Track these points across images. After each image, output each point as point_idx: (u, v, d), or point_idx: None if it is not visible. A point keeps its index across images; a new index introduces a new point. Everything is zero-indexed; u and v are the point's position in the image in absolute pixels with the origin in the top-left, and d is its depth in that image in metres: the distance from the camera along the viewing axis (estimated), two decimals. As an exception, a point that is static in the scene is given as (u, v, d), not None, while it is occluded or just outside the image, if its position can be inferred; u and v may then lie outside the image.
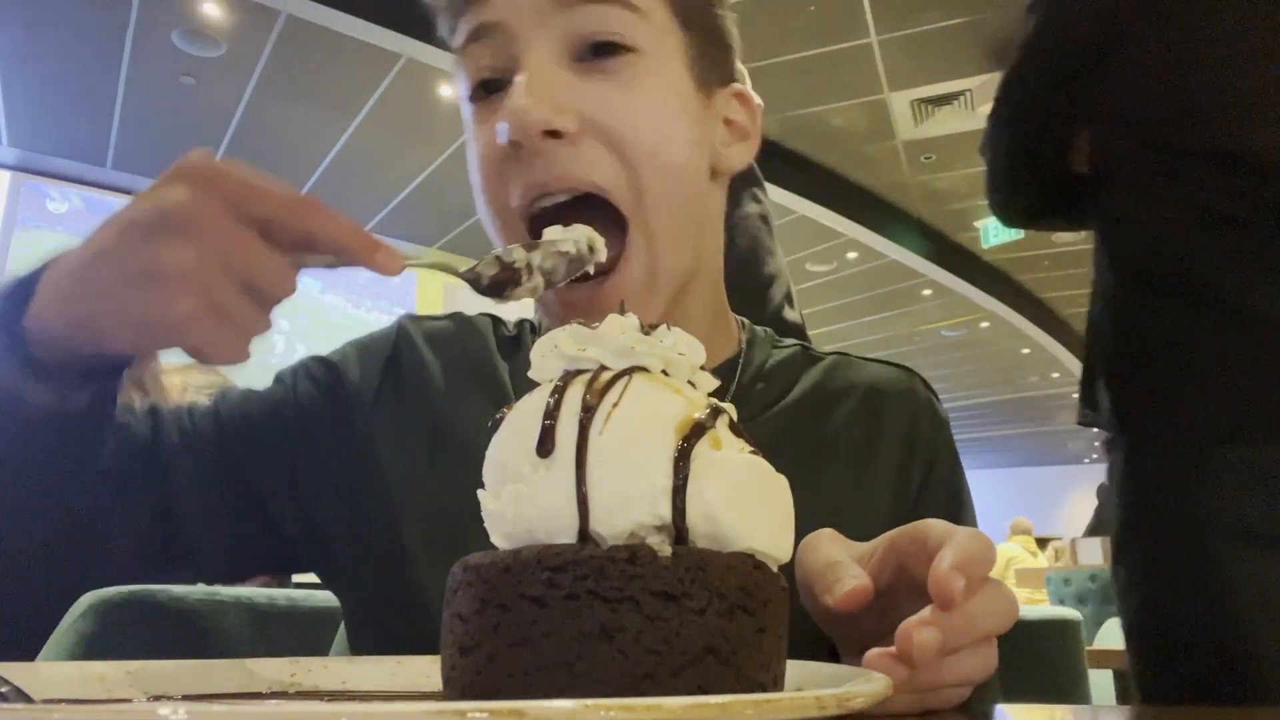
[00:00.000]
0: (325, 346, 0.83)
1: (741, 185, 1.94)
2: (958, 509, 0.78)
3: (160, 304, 0.49)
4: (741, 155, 0.79)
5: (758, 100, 0.81)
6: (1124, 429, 1.28)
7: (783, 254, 2.04)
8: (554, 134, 0.65)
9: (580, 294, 0.67)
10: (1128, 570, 1.21)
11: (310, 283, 7.87)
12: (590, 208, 0.67)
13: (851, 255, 8.15)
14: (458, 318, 0.85)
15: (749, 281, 1.85)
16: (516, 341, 0.83)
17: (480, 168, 0.71)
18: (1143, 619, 1.20)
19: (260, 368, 0.80)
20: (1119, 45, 1.28)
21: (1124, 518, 1.21)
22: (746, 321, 0.87)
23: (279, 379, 0.79)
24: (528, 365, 0.83)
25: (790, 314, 1.94)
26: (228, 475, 0.73)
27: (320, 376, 0.79)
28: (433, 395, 0.78)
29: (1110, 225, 1.36)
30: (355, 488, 0.75)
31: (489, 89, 0.70)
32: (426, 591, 0.70)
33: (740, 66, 0.84)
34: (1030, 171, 1.48)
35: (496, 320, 0.86)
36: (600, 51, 0.67)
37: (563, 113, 0.65)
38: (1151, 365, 1.26)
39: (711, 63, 0.75)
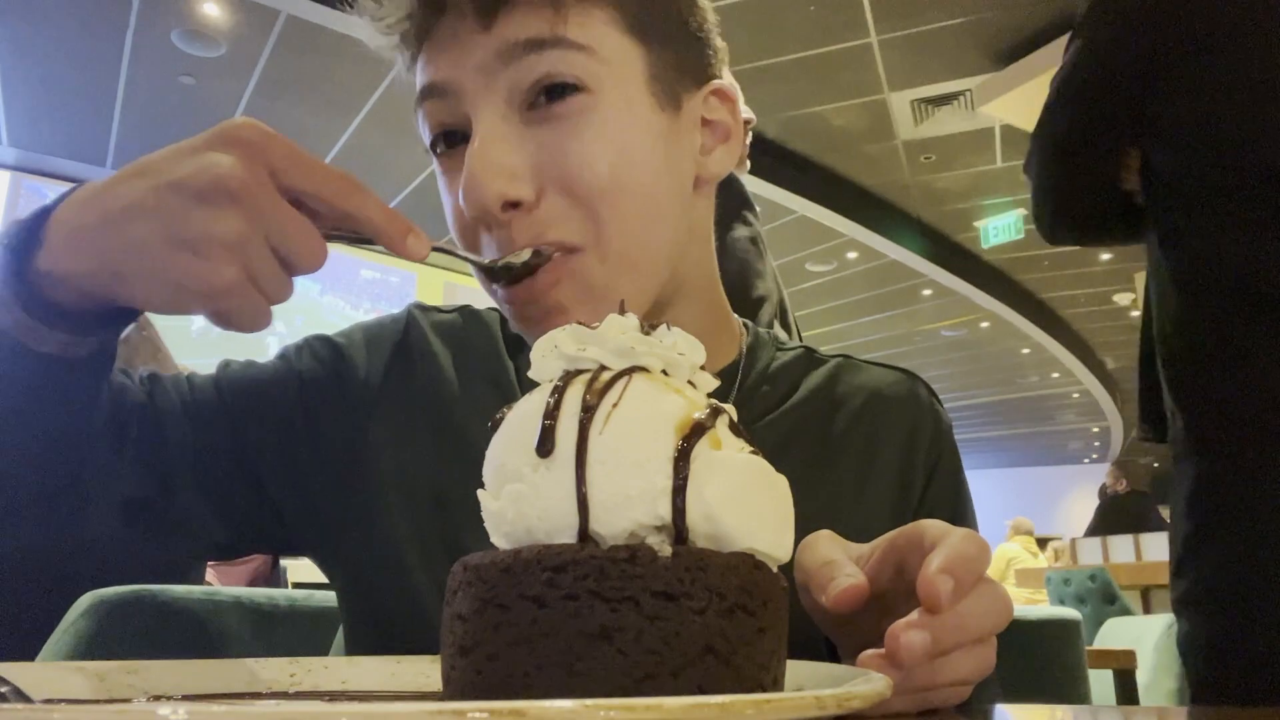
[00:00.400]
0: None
1: (732, 209, 1.97)
2: (959, 514, 0.78)
3: (204, 270, 0.51)
4: (724, 159, 0.76)
5: (746, 112, 0.80)
6: (1200, 444, 1.27)
7: (775, 273, 2.05)
8: (514, 204, 0.64)
9: (516, 292, 0.66)
10: (1197, 581, 1.20)
11: (309, 284, 7.87)
12: None
13: (851, 255, 8.15)
14: (466, 311, 0.85)
15: (736, 306, 1.87)
16: (522, 341, 0.82)
17: (454, 224, 0.70)
18: (1216, 626, 1.20)
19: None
20: (1170, 68, 1.27)
21: (1195, 529, 1.21)
22: (750, 324, 0.87)
23: (282, 354, 0.79)
24: None
25: (779, 333, 1.96)
26: (226, 443, 0.73)
27: (324, 355, 0.79)
28: (440, 387, 0.78)
29: (1174, 243, 1.34)
30: (351, 469, 0.75)
31: (449, 140, 0.69)
32: (416, 581, 0.70)
33: (731, 80, 0.83)
34: (1076, 190, 1.48)
35: (504, 317, 0.84)
36: (551, 94, 0.65)
37: (517, 179, 0.64)
38: (1225, 382, 1.25)
39: (680, 69, 0.71)
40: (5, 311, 0.55)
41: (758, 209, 2.12)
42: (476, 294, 0.79)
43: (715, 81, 0.75)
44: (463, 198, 0.64)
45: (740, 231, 2.00)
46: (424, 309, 0.84)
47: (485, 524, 0.41)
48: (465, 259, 0.66)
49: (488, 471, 0.42)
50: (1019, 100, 5.48)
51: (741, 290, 1.91)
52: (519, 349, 0.81)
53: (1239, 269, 1.25)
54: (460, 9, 0.65)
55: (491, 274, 0.65)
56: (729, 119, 0.76)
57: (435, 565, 0.70)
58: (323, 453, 0.75)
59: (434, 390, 0.78)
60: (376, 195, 0.54)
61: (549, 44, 0.64)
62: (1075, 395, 13.22)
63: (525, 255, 0.64)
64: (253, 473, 0.74)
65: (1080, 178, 1.46)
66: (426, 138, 0.71)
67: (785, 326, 2.01)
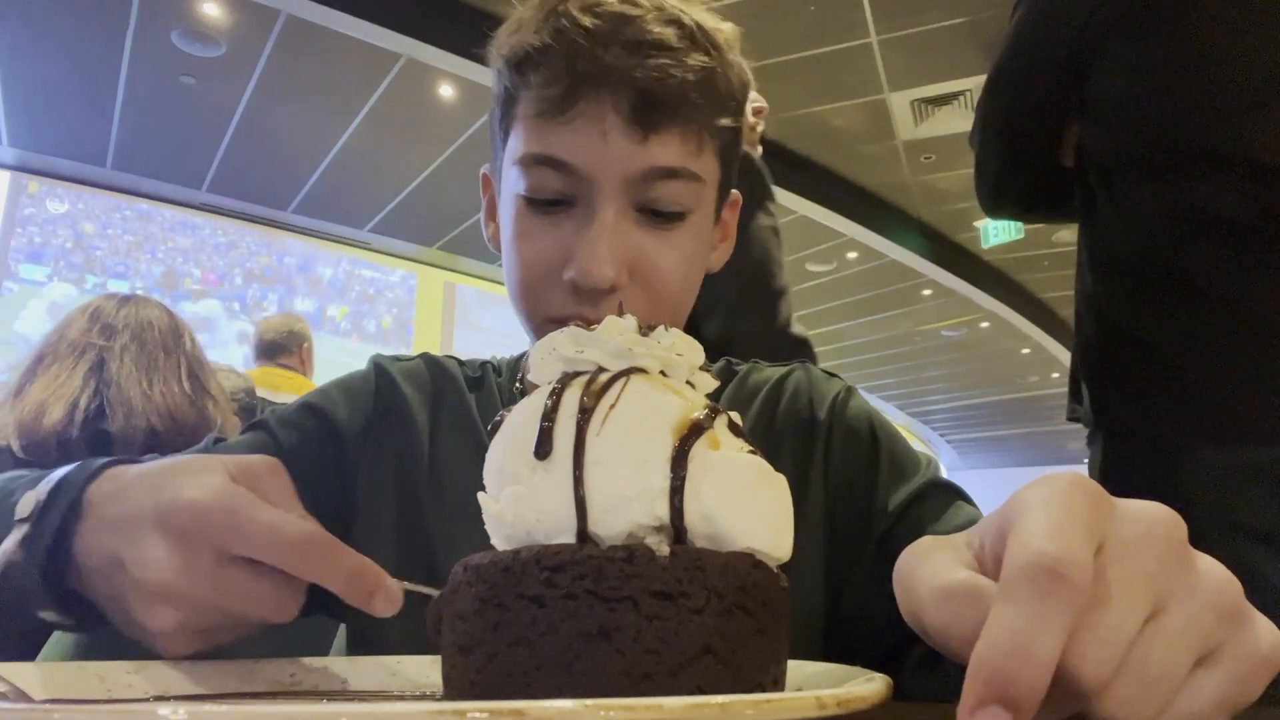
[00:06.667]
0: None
1: (755, 198, 1.95)
2: (876, 454, 0.80)
3: (150, 643, 0.50)
4: (722, 256, 0.87)
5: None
6: (1101, 424, 1.30)
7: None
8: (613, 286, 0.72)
9: None
10: None
11: (310, 285, 7.87)
12: None
13: (851, 255, 8.14)
14: (427, 358, 0.90)
15: (760, 295, 1.85)
16: (480, 380, 0.88)
17: (528, 274, 0.75)
18: None
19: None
20: (1099, 48, 1.29)
21: None
22: None
23: (266, 428, 0.80)
24: (492, 399, 0.86)
25: (797, 328, 1.94)
26: None
27: (308, 425, 0.81)
28: (416, 433, 0.82)
29: (1093, 221, 1.37)
30: (343, 523, 0.78)
31: (547, 200, 0.74)
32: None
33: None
34: (1018, 163, 1.49)
35: (460, 361, 0.91)
36: (660, 213, 0.73)
37: (621, 268, 0.72)
38: (1129, 362, 1.27)
39: (729, 184, 0.82)
40: (16, 580, 0.52)
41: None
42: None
43: (733, 192, 0.85)
44: (578, 273, 0.70)
45: (763, 220, 1.98)
46: (388, 359, 0.89)
47: (485, 526, 0.41)
48: (422, 591, 0.57)
49: (488, 474, 0.42)
50: (1019, 100, 5.46)
51: (764, 280, 1.88)
52: (476, 386, 0.87)
53: (1149, 249, 1.26)
54: (618, 106, 0.70)
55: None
56: (731, 221, 0.87)
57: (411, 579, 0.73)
58: (318, 510, 0.76)
59: (411, 436, 0.82)
60: (341, 554, 0.49)
61: (680, 175, 0.73)
62: (1075, 395, 13.15)
63: None
64: None
65: (1021, 151, 1.48)
66: (519, 186, 0.74)
67: (797, 322, 2.00)
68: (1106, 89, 1.30)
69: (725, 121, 0.75)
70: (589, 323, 0.67)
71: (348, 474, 0.80)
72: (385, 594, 0.49)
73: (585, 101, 0.70)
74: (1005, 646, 0.28)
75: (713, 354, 1.92)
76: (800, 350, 1.89)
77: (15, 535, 0.52)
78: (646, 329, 0.43)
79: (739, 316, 1.82)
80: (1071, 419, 1.43)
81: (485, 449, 0.81)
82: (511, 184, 0.75)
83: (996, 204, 1.58)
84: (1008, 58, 1.42)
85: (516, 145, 0.75)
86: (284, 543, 0.48)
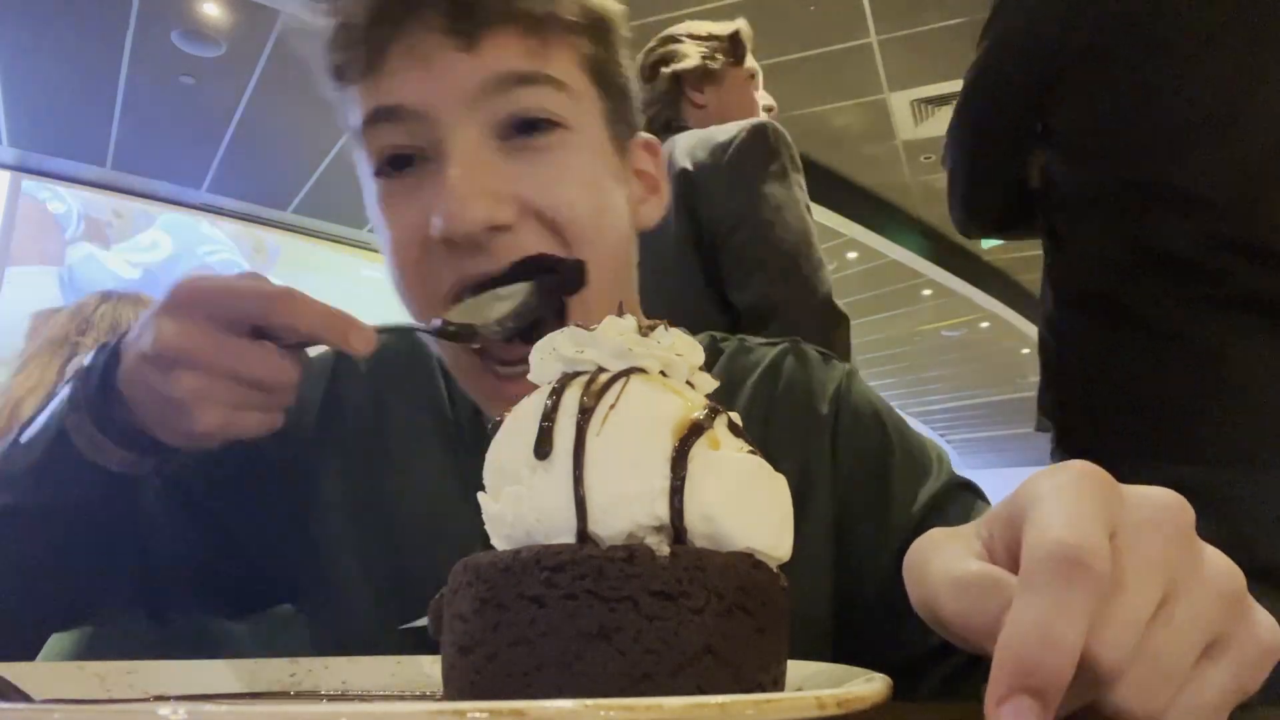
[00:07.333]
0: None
1: (783, 167, 1.94)
2: (887, 450, 0.74)
3: (189, 421, 0.56)
4: (655, 210, 0.77)
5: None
6: (1060, 440, 1.35)
7: None
8: (495, 228, 0.62)
9: (515, 388, 0.62)
10: None
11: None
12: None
13: (851, 255, 8.14)
14: (402, 330, 0.82)
15: (804, 264, 1.75)
16: None
17: (400, 253, 0.66)
18: None
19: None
20: (1061, 78, 1.32)
21: None
22: None
23: None
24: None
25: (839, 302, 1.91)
26: (201, 519, 0.75)
27: None
28: (373, 411, 0.80)
29: (1055, 245, 1.42)
30: (293, 496, 0.77)
31: (398, 164, 0.66)
32: (358, 606, 0.73)
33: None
34: (986, 184, 1.53)
35: None
36: (527, 128, 0.64)
37: (501, 203, 0.62)
38: (1082, 381, 1.32)
39: (621, 115, 0.73)
40: (80, 433, 0.60)
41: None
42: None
43: (642, 135, 0.77)
44: (443, 220, 0.61)
45: (797, 194, 1.92)
46: None
47: (486, 526, 0.41)
48: (420, 329, 0.66)
49: (488, 474, 0.42)
50: (1019, 100, 5.47)
51: (806, 250, 1.78)
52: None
53: (1100, 279, 1.30)
54: (429, 23, 0.62)
55: (439, 334, 0.62)
56: (655, 172, 0.77)
57: (376, 583, 0.72)
58: (267, 482, 0.77)
59: (368, 414, 0.79)
60: (314, 302, 0.57)
61: (535, 79, 0.64)
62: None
63: (492, 323, 0.62)
64: (214, 515, 0.75)
65: (990, 173, 1.50)
66: (369, 163, 0.68)
67: None
68: (1066, 119, 1.35)
69: (572, 16, 0.66)
70: (486, 280, 0.62)
71: (296, 448, 0.77)
72: (359, 332, 0.56)
73: (393, 30, 0.63)
74: (1032, 636, 0.28)
75: (750, 321, 1.82)
76: (841, 324, 1.83)
77: (65, 391, 0.61)
78: (646, 329, 0.43)
79: (781, 284, 1.71)
80: (1041, 430, 1.46)
81: (450, 433, 0.77)
82: (364, 168, 0.70)
83: (968, 223, 1.62)
84: (976, 82, 1.46)
85: (354, 123, 0.68)
86: (264, 295, 0.56)
